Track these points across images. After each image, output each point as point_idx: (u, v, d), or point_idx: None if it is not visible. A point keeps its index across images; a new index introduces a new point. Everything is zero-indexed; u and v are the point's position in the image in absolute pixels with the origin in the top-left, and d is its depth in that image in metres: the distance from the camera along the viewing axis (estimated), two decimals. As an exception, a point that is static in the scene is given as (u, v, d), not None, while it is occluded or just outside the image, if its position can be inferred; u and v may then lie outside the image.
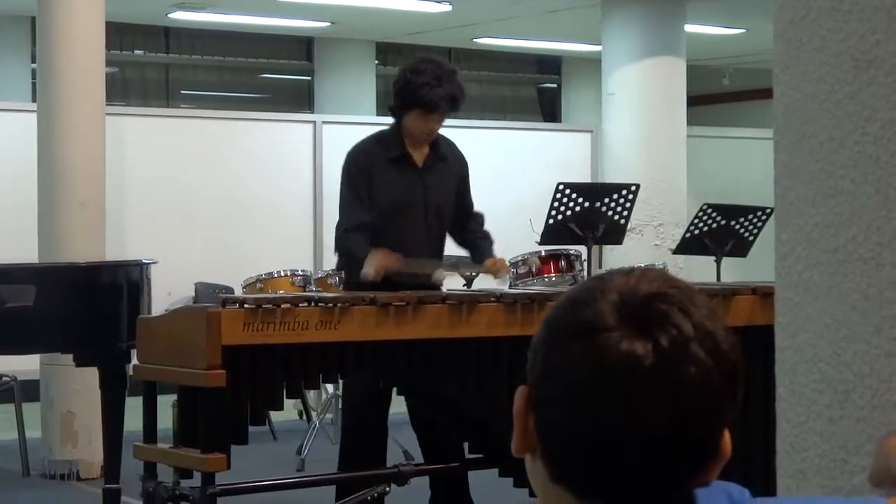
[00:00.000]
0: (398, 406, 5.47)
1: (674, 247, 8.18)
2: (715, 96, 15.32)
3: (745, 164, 12.23)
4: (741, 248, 7.41)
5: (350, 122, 10.56)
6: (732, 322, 4.95)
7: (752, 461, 4.29)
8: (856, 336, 2.12)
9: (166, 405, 4.98)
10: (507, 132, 11.64)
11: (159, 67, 13.86)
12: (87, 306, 5.84)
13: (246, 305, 4.56)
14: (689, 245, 7.52)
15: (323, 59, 14.08)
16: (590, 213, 6.61)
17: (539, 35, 13.47)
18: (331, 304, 4.68)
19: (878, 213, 2.09)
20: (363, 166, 5.36)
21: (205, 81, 14.27)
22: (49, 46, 7.34)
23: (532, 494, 1.35)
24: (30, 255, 7.21)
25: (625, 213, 6.72)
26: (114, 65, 12.61)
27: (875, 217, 2.10)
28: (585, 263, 6.78)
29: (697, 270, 9.35)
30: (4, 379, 7.52)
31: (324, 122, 10.57)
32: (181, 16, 12.22)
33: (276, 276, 7.52)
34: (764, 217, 7.28)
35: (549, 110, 15.77)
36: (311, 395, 8.41)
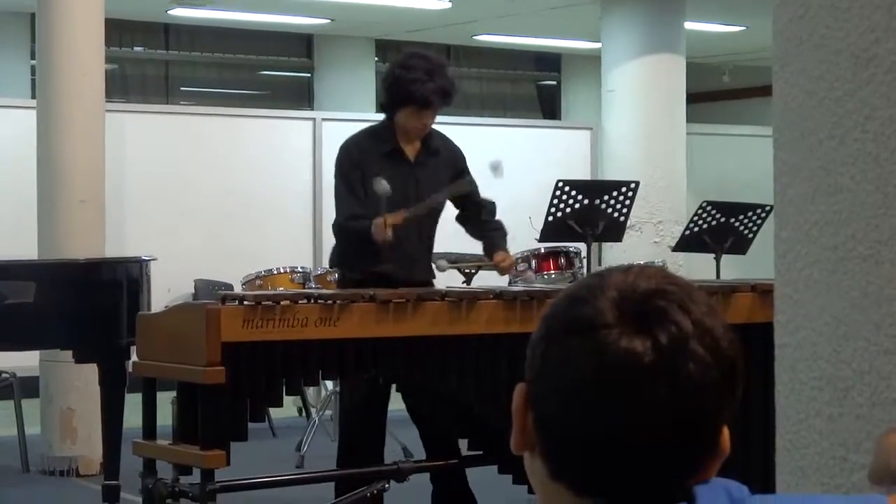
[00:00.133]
0: (398, 403, 5.47)
1: (673, 244, 8.18)
2: (715, 93, 15.32)
3: (745, 161, 12.22)
4: (741, 245, 7.41)
5: (350, 119, 10.54)
6: (732, 319, 4.94)
7: (752, 458, 4.29)
8: (855, 333, 2.12)
9: (166, 402, 4.98)
10: (507, 129, 11.64)
11: (159, 64, 13.86)
12: (86, 303, 5.85)
13: (245, 302, 4.56)
14: (688, 242, 7.52)
15: (323, 56, 14.08)
16: (589, 210, 6.61)
17: (539, 32, 13.47)
18: (330, 301, 4.68)
19: (877, 210, 2.09)
20: (356, 160, 5.35)
21: (205, 78, 14.27)
22: (49, 43, 7.33)
23: (531, 491, 1.35)
24: (29, 252, 7.20)
25: (624, 210, 6.72)
26: (113, 62, 12.61)
27: (874, 214, 2.10)
28: (585, 261, 6.79)
29: (697, 268, 9.35)
30: (4, 375, 7.52)
31: (323, 119, 10.57)
32: (181, 12, 12.22)
33: (275, 272, 7.52)
34: (763, 214, 7.28)
35: (548, 107, 15.77)
36: (310, 391, 8.41)
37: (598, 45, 11.06)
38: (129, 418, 5.95)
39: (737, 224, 7.34)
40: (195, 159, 9.97)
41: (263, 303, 4.56)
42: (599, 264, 8.84)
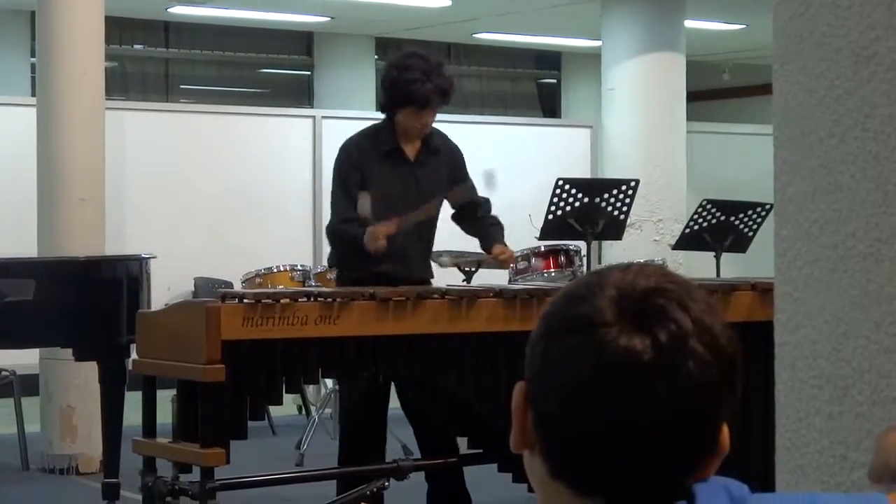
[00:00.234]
0: (397, 401, 5.47)
1: (673, 242, 8.18)
2: (715, 92, 15.32)
3: (745, 159, 12.22)
4: (741, 243, 7.41)
5: (349, 117, 10.55)
6: (732, 318, 4.94)
7: (752, 457, 4.29)
8: (855, 332, 2.12)
9: (165, 400, 4.98)
10: (507, 128, 11.64)
11: (159, 62, 13.86)
12: (86, 301, 5.85)
13: (245, 300, 4.56)
14: (688, 241, 7.52)
15: (322, 54, 14.08)
16: (589, 208, 6.61)
17: (539, 30, 13.46)
18: (330, 299, 4.68)
19: (877, 209, 2.09)
20: (356, 162, 5.35)
21: (205, 76, 14.26)
22: (49, 41, 7.33)
23: (531, 490, 1.35)
24: (29, 250, 7.20)
25: (624, 208, 6.72)
26: (113, 59, 12.61)
27: (874, 213, 2.10)
28: (585, 259, 6.79)
29: (697, 266, 9.35)
30: (4, 373, 7.52)
31: (323, 117, 10.57)
32: (181, 10, 12.22)
33: (275, 270, 7.55)
34: (763, 213, 7.28)
35: (548, 106, 15.77)
36: (310, 389, 8.42)
37: (598, 44, 11.06)
38: (128, 416, 5.95)
39: (737, 222, 7.34)
40: (195, 157, 9.97)
41: (263, 301, 4.56)
42: (599, 262, 8.84)
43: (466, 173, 5.59)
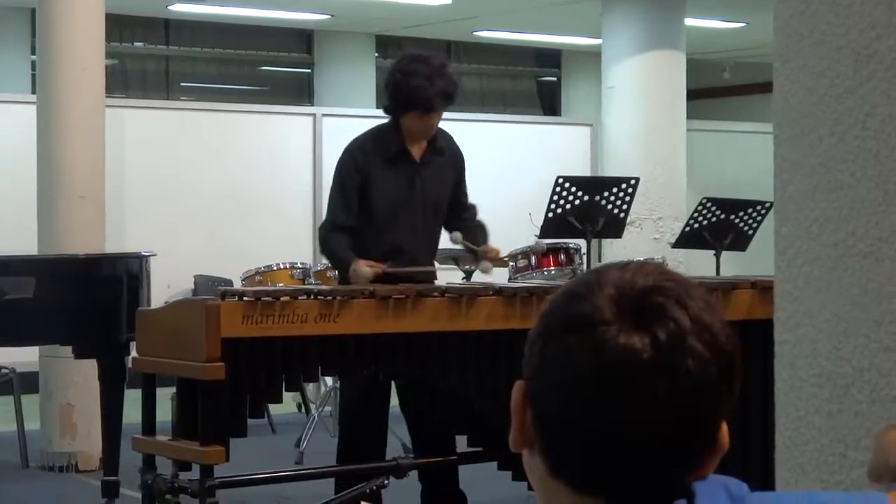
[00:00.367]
0: (397, 399, 5.46)
1: (673, 240, 8.18)
2: (715, 90, 15.32)
3: (745, 158, 12.23)
4: (741, 242, 7.41)
5: (350, 115, 10.56)
6: (732, 316, 4.95)
7: (751, 455, 4.29)
8: (855, 330, 2.12)
9: (165, 397, 4.98)
10: (507, 126, 11.64)
11: (159, 60, 13.85)
12: (86, 299, 5.85)
13: (245, 298, 4.56)
14: (688, 239, 7.52)
15: (323, 51, 14.08)
16: (589, 206, 6.61)
17: (539, 28, 13.46)
18: (330, 297, 4.68)
19: (877, 207, 2.09)
20: (359, 165, 5.34)
21: (205, 74, 14.26)
22: (49, 38, 7.33)
23: (531, 489, 1.35)
24: (29, 248, 7.20)
25: (624, 206, 6.72)
26: (113, 57, 12.60)
27: (875, 211, 2.09)
28: (585, 257, 6.79)
29: (697, 264, 9.36)
30: (3, 371, 7.52)
31: (323, 115, 10.58)
32: (181, 8, 12.22)
33: (275, 268, 7.54)
34: (763, 211, 7.28)
35: (548, 104, 15.76)
36: (310, 387, 8.42)
37: (598, 42, 11.06)
38: (128, 414, 5.95)
39: (737, 221, 7.34)
40: (195, 155, 9.97)
41: (263, 299, 4.55)
42: (599, 261, 8.83)
43: (464, 179, 5.61)
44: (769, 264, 2.30)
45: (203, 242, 9.77)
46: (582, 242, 6.76)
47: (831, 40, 2.15)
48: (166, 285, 8.35)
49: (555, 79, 15.78)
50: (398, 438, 6.70)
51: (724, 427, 1.30)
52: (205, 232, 9.85)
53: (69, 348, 6.02)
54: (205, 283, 8.46)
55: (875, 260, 2.10)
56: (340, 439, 5.46)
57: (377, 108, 12.77)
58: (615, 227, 6.81)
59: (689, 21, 10.87)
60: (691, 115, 11.08)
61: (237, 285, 7.39)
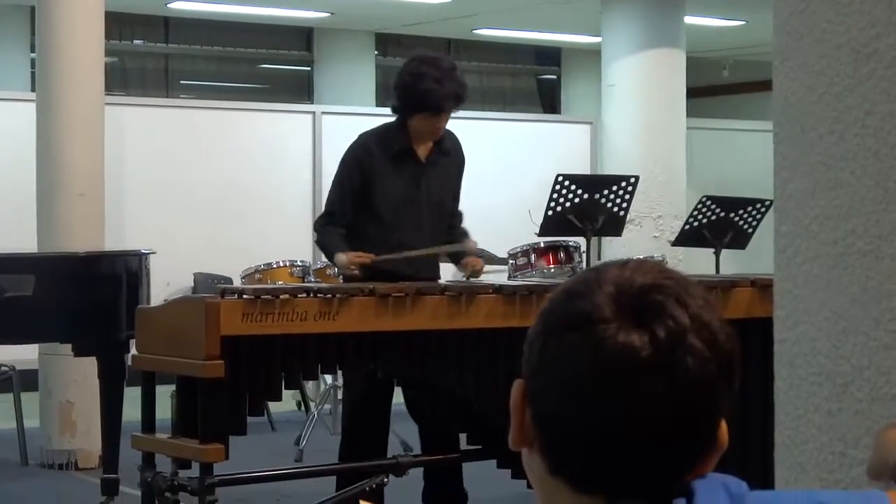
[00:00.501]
0: (397, 397, 5.46)
1: (673, 239, 8.18)
2: (715, 88, 15.31)
3: (745, 156, 12.23)
4: (740, 240, 7.40)
5: (349, 113, 10.56)
6: (731, 314, 4.94)
7: (751, 454, 4.29)
8: (854, 329, 2.12)
9: (165, 395, 4.98)
10: (507, 124, 11.63)
11: (159, 57, 13.85)
12: (86, 296, 5.84)
13: (245, 296, 4.56)
14: (688, 237, 7.51)
15: (322, 49, 14.07)
16: (589, 204, 6.61)
17: (539, 26, 13.45)
18: (329, 295, 4.68)
19: (877, 205, 2.09)
20: (363, 164, 5.34)
21: (204, 71, 14.25)
22: (48, 36, 7.33)
23: (530, 487, 1.35)
24: (29, 246, 7.20)
25: (624, 204, 6.71)
26: (113, 55, 12.60)
27: (874, 210, 2.09)
28: (584, 255, 6.79)
29: (696, 262, 9.36)
30: (3, 368, 7.52)
31: (323, 113, 10.57)
32: (181, 5, 12.21)
33: (274, 266, 7.54)
34: (763, 209, 7.27)
35: (548, 102, 15.76)
36: (309, 385, 8.42)
37: (598, 40, 11.06)
38: (128, 412, 5.94)
39: (736, 219, 7.34)
40: (195, 153, 9.97)
41: (263, 297, 4.55)
42: (599, 259, 8.83)
43: (461, 183, 5.61)
44: (769, 262, 2.30)
45: (203, 240, 9.77)
46: (581, 240, 6.76)
47: (831, 38, 2.15)
48: (166, 283, 8.35)
49: (555, 77, 15.77)
50: (398, 436, 6.70)
51: (724, 425, 1.30)
52: (204, 230, 9.85)
53: (69, 346, 6.01)
54: (204, 281, 8.46)
55: (875, 258, 2.10)
56: (343, 436, 5.46)
57: (377, 105, 12.82)
58: (615, 226, 6.81)
59: (688, 19, 10.87)
60: (691, 113, 11.08)
61: (237, 283, 7.39)
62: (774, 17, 2.25)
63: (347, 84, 13.71)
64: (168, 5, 12.19)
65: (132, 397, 5.42)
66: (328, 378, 7.75)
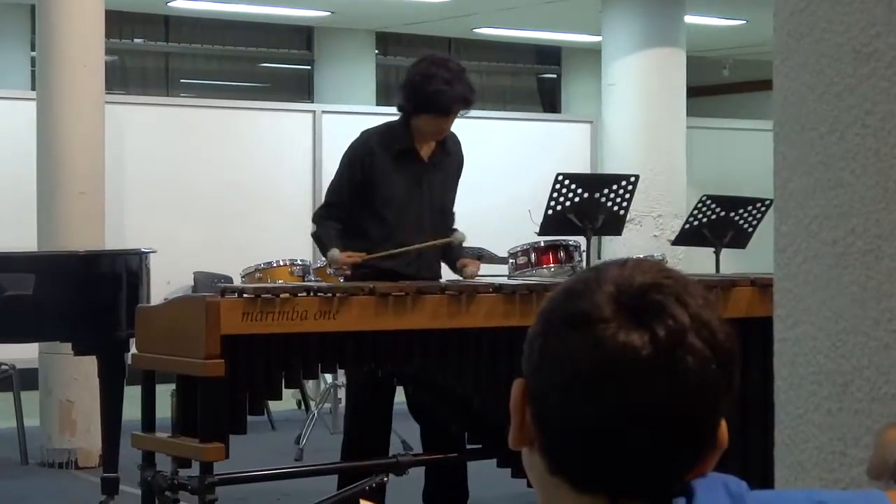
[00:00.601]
0: (397, 396, 5.46)
1: (673, 238, 8.17)
2: (715, 87, 15.31)
3: (745, 155, 12.22)
4: (740, 239, 7.40)
5: (349, 112, 10.55)
6: (731, 314, 4.94)
7: (751, 453, 4.29)
8: (854, 328, 2.12)
9: (165, 394, 4.98)
10: (507, 122, 11.63)
11: (159, 56, 13.85)
12: (86, 295, 5.84)
13: (245, 295, 4.56)
14: (688, 236, 7.51)
15: (323, 48, 14.07)
16: (589, 203, 6.60)
17: (539, 25, 13.45)
18: (330, 294, 4.68)
19: (877, 205, 2.09)
20: (364, 161, 5.34)
21: (205, 70, 14.25)
22: (49, 34, 7.32)
23: (530, 486, 1.35)
24: (29, 244, 7.20)
25: (624, 203, 6.71)
26: (113, 53, 12.60)
27: (874, 209, 2.09)
28: (584, 254, 6.78)
29: (696, 261, 9.35)
30: (3, 367, 7.52)
31: (323, 112, 10.56)
32: (181, 4, 12.21)
33: (274, 265, 7.54)
34: (763, 209, 7.27)
35: (548, 101, 15.76)
36: (309, 384, 8.41)
37: (598, 39, 11.05)
38: (128, 411, 5.94)
39: (736, 218, 7.33)
40: (195, 152, 9.96)
41: (263, 295, 4.55)
42: (599, 258, 8.83)
43: (457, 184, 5.61)
44: (769, 262, 2.30)
45: (203, 239, 9.77)
46: (581, 239, 6.76)
47: (831, 38, 2.15)
48: (166, 282, 8.35)
49: (555, 76, 15.77)
50: (398, 435, 6.70)
51: (724, 425, 1.30)
52: (204, 228, 9.85)
53: (69, 345, 6.01)
54: (204, 280, 8.46)
55: (875, 257, 2.10)
56: (345, 434, 5.46)
57: (377, 104, 12.81)
58: (615, 225, 6.80)
59: (689, 18, 10.86)
60: (691, 112, 11.08)
61: (237, 282, 7.39)
62: (775, 16, 2.25)
63: (348, 83, 13.71)
64: (168, 4, 12.19)
65: (132, 396, 5.42)
66: (328, 377, 7.75)
